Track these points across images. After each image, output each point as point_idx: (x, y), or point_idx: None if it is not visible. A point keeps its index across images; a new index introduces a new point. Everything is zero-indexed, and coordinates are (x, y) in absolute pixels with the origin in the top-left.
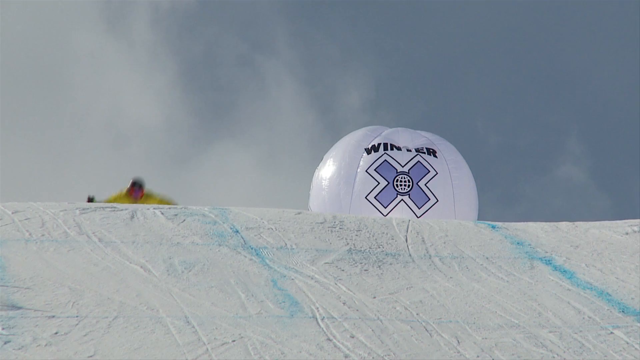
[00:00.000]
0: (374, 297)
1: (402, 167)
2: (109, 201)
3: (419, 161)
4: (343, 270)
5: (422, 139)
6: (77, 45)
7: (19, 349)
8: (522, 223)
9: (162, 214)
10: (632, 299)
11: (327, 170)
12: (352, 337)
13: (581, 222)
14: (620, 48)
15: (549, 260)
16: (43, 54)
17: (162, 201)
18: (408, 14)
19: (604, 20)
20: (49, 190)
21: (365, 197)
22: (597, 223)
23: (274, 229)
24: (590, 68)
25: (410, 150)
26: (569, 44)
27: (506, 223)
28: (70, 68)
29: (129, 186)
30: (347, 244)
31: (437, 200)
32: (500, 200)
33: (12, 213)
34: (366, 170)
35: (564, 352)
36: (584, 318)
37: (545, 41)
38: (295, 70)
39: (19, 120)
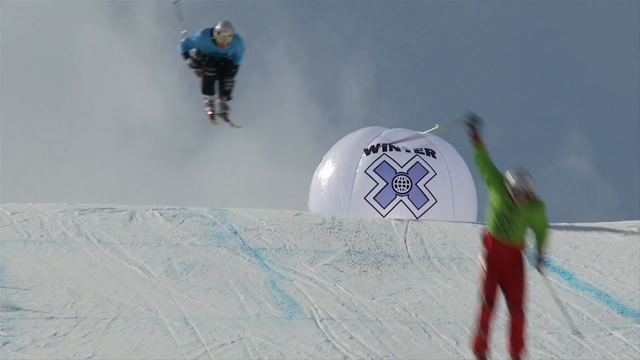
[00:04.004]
0: (373, 298)
1: (401, 167)
2: None
3: (418, 162)
4: (342, 271)
5: (421, 139)
6: (83, 41)
7: (18, 350)
8: None
9: (161, 214)
10: (631, 300)
11: (326, 170)
12: (351, 338)
13: (580, 223)
14: (623, 41)
15: (547, 262)
16: (48, 50)
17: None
18: (410, 6)
19: (605, 15)
20: (52, 189)
21: (364, 198)
22: (596, 224)
23: (273, 230)
24: (592, 60)
25: (409, 151)
26: (571, 36)
27: None
28: (76, 64)
29: None
30: (346, 245)
31: (436, 201)
32: None
33: (11, 214)
34: (365, 171)
35: (563, 353)
36: (582, 319)
37: (547, 34)
38: (297, 62)
39: (23, 118)
